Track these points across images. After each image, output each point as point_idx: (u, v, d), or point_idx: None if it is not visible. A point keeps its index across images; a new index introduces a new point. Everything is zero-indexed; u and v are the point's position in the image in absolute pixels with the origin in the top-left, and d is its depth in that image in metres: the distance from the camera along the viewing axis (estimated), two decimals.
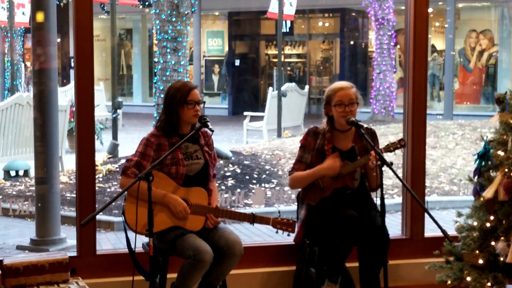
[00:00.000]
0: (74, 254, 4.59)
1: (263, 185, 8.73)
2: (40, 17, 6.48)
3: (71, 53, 18.88)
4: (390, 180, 8.73)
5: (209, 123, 4.09)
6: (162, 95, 9.60)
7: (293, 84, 14.80)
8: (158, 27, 10.10)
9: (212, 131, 4.14)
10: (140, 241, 4.14)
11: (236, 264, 4.12)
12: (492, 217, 4.33)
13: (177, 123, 4.17)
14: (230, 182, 8.72)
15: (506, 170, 4.28)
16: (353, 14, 20.34)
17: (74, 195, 5.02)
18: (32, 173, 8.73)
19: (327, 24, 21.38)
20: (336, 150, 4.41)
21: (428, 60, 5.27)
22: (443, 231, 4.01)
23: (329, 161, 4.35)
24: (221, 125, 16.01)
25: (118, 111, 11.81)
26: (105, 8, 17.05)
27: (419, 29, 5.04)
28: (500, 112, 4.44)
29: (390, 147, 4.31)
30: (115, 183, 8.54)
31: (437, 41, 19.32)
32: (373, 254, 4.24)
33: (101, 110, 14.85)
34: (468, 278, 4.34)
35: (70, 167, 9.08)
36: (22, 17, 16.33)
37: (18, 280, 4.16)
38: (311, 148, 4.44)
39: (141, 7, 16.65)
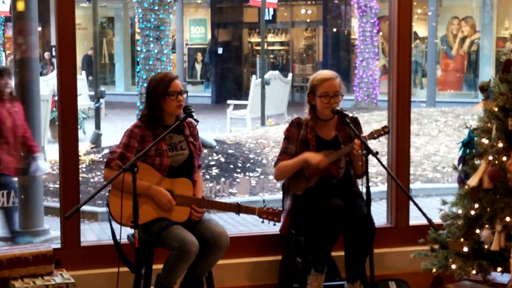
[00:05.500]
0: (58, 245, 4.56)
1: (247, 174, 8.71)
2: (21, 5, 6.42)
3: (53, 42, 18.73)
4: (374, 167, 8.74)
5: (194, 114, 4.05)
6: (145, 84, 9.53)
7: (276, 72, 14.76)
8: (141, 15, 10.03)
9: (197, 121, 4.11)
10: (125, 233, 4.11)
11: (222, 256, 4.11)
12: (476, 205, 4.35)
13: (161, 115, 4.13)
14: (215, 171, 8.70)
15: (491, 158, 4.29)
16: (336, 1, 20.33)
17: (57, 186, 4.98)
18: None
19: (310, 12, 21.35)
20: (320, 140, 4.40)
21: None
22: (428, 219, 4.01)
23: (316, 154, 4.31)
24: (205, 113, 15.96)
25: (101, 100, 11.73)
26: None
27: (403, 16, 5.02)
28: (484, 100, 4.45)
29: (374, 134, 4.31)
30: (99, 173, 8.50)
31: (419, 28, 19.35)
32: (358, 243, 4.24)
33: (84, 99, 14.74)
34: (453, 266, 4.36)
35: (53, 157, 9.02)
36: (2, 5, 16.13)
37: (1, 273, 4.12)
38: (295, 138, 4.42)
39: None
